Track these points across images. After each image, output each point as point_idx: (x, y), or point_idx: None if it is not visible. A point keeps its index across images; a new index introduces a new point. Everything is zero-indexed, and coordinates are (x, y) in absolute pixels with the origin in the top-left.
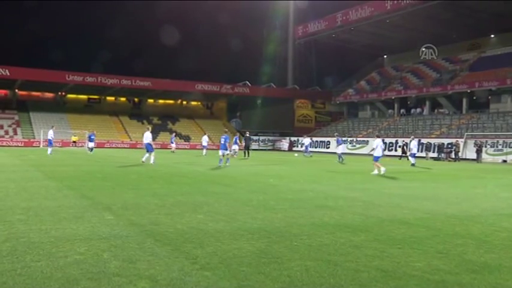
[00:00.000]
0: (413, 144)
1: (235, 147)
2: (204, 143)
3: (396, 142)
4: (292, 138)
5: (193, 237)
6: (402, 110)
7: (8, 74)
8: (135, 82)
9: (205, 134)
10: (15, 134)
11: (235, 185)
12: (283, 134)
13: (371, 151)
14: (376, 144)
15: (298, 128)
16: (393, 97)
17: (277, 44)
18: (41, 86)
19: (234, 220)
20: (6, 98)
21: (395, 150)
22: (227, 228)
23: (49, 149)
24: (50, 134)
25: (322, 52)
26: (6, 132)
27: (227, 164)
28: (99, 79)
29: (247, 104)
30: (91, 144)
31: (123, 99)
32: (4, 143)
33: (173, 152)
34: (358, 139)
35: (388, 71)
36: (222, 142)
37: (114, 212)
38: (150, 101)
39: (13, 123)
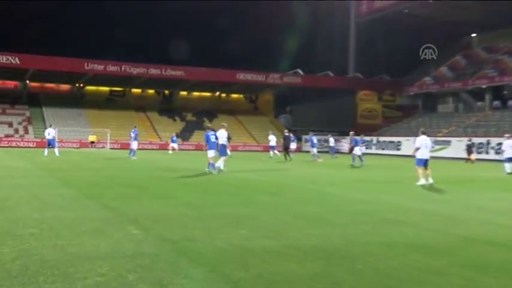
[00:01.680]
0: (509, 145)
1: (293, 145)
2: (273, 143)
3: (488, 143)
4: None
5: (235, 257)
6: (496, 102)
7: (18, 62)
8: (165, 71)
9: (270, 132)
10: (26, 132)
11: (283, 193)
12: (343, 133)
13: (414, 151)
14: (422, 143)
15: (361, 126)
16: (484, 86)
17: (336, 23)
18: (55, 77)
19: (284, 236)
20: (16, 90)
21: (487, 153)
22: (275, 246)
23: (56, 151)
24: (50, 133)
25: (391, 32)
26: (16, 131)
27: (213, 171)
28: (123, 68)
29: (298, 96)
30: (134, 145)
31: (151, 91)
32: (14, 143)
33: (171, 153)
34: (438, 139)
35: (478, 53)
36: (213, 140)
37: (141, 225)
38: (183, 93)
39: (24, 120)
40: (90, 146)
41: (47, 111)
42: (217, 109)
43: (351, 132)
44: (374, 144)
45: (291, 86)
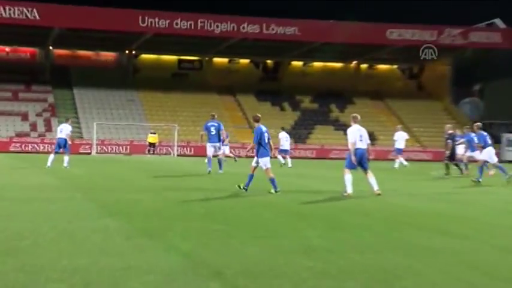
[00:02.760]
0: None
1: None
2: (285, 145)
3: None
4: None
5: None
6: None
7: (38, 17)
8: (268, 28)
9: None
10: (49, 130)
11: (469, 233)
12: None
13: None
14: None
15: None
16: None
17: None
18: (93, 40)
19: None
20: (33, 62)
21: None
22: None
23: (65, 159)
24: (64, 130)
25: None
26: (34, 127)
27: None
28: (199, 24)
29: (497, 66)
30: (226, 150)
31: (244, 61)
32: (30, 147)
33: (225, 160)
34: None
35: None
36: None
37: (228, 281)
38: (297, 64)
39: (45, 110)
40: (147, 151)
41: (81, 95)
42: (353, 90)
43: (466, 128)
44: None
45: (483, 48)
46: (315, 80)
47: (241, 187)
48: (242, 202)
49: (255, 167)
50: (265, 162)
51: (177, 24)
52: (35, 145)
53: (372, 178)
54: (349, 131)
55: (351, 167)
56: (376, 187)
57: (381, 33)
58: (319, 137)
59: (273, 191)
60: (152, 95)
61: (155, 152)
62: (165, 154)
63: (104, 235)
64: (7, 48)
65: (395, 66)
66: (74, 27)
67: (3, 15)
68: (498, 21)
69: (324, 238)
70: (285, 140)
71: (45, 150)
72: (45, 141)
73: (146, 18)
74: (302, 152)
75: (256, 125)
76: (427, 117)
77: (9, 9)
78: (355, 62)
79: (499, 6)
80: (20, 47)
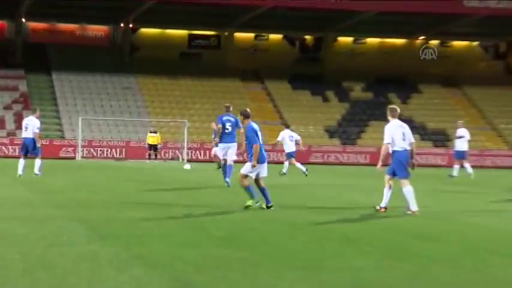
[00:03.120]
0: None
1: None
2: (289, 147)
3: None
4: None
5: None
6: None
7: None
8: None
9: None
10: (20, 127)
11: None
12: None
13: None
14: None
15: None
16: None
17: None
18: (77, 9)
19: None
20: (1, 39)
21: None
22: None
23: (36, 164)
24: (30, 127)
25: None
26: (1, 124)
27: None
28: None
29: None
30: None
31: (275, 37)
32: None
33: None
34: None
35: None
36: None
37: None
38: (344, 41)
39: (16, 101)
40: (147, 155)
41: (62, 82)
42: (420, 74)
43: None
44: None
45: None
46: (368, 62)
47: (264, 206)
48: (270, 222)
49: (258, 178)
50: (247, 167)
51: None
52: (2, 147)
53: (409, 192)
54: (387, 127)
55: (404, 175)
56: (413, 206)
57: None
58: (374, 136)
59: (263, 205)
60: (155, 81)
61: (157, 157)
62: (172, 159)
63: (92, 265)
64: None
65: (475, 43)
66: None
67: None
68: None
69: (382, 270)
70: (289, 140)
71: (16, 153)
72: (15, 141)
73: None
74: (351, 157)
75: (246, 122)
76: None
77: None
78: (422, 37)
79: None
80: None
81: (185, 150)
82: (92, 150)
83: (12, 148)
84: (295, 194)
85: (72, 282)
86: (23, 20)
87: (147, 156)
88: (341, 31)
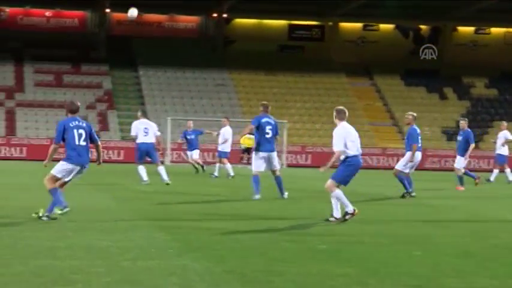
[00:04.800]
0: None
1: None
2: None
3: None
4: None
5: None
6: None
7: None
8: None
9: None
10: (105, 128)
11: None
12: None
13: None
14: None
15: None
16: None
17: None
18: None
19: None
20: (84, 32)
21: None
22: None
23: (162, 171)
24: (150, 131)
25: None
26: None
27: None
28: None
29: None
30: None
31: (386, 27)
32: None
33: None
34: None
35: None
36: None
37: None
38: (465, 31)
39: (99, 100)
40: (240, 159)
41: (149, 78)
42: None
43: None
44: None
45: None
46: (492, 55)
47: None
48: (378, 235)
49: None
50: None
51: None
52: None
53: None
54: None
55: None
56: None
57: None
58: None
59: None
60: (250, 77)
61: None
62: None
63: (183, 280)
64: (47, 13)
65: None
66: None
67: None
68: None
69: None
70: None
71: (14, 156)
72: (12, 141)
73: None
74: (472, 162)
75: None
76: None
77: None
78: None
79: None
80: (65, 11)
81: (284, 155)
82: (182, 153)
83: (8, 151)
84: (408, 204)
85: None
86: (107, 10)
87: (240, 160)
88: (461, 20)
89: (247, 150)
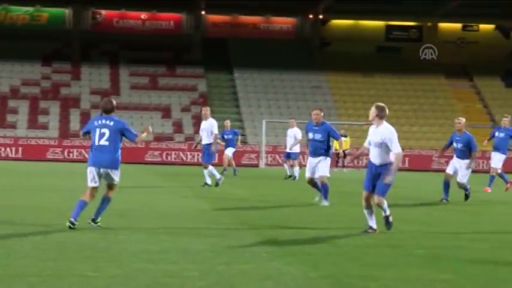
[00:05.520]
0: None
1: None
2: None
3: None
4: None
5: None
6: None
7: None
8: None
9: None
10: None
11: None
12: None
13: None
14: None
15: None
16: None
17: None
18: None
19: None
20: (179, 34)
21: None
22: None
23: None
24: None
25: None
26: (178, 128)
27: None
28: None
29: None
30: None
31: (486, 27)
32: (173, 156)
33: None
34: None
35: None
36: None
37: None
38: None
39: (194, 103)
40: (336, 162)
41: (244, 81)
42: None
43: None
44: None
45: None
46: None
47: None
48: (481, 240)
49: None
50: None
51: None
52: (180, 153)
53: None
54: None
55: None
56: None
57: None
58: None
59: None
60: (347, 79)
61: (345, 165)
62: (354, 167)
63: (277, 285)
64: (143, 16)
65: None
66: None
67: None
68: None
69: None
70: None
71: (194, 160)
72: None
73: None
74: None
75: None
76: None
77: None
78: None
79: None
80: (161, 13)
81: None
82: (277, 156)
83: (190, 155)
84: None
85: None
86: (202, 12)
87: (340, 164)
88: None
89: (341, 153)
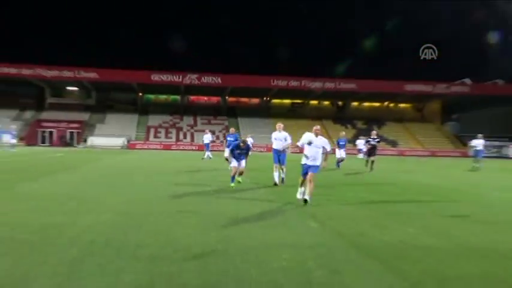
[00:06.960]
0: None
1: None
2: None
3: None
4: None
5: (403, 253)
6: None
7: (220, 81)
8: (339, 85)
9: None
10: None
11: (438, 199)
12: None
13: None
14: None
15: None
16: None
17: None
18: (248, 92)
19: (449, 236)
20: (217, 105)
21: None
22: (442, 245)
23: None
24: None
25: None
26: (217, 138)
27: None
28: (302, 83)
29: (467, 103)
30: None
31: (326, 102)
32: (215, 148)
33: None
34: None
35: None
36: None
37: (319, 220)
38: (355, 104)
39: (223, 129)
40: None
41: (242, 121)
42: (386, 117)
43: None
44: None
45: (458, 95)
46: (365, 113)
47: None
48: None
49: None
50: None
51: (291, 83)
52: (219, 147)
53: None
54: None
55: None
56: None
57: (401, 87)
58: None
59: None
60: (278, 121)
61: None
62: None
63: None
64: (205, 98)
65: (409, 105)
66: (239, 85)
67: (203, 80)
68: (467, 80)
69: (370, 197)
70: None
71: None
72: (222, 146)
73: (275, 80)
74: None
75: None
76: (427, 132)
77: (204, 78)
78: (386, 102)
79: (467, 68)
80: (211, 97)
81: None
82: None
83: (222, 148)
84: None
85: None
86: (226, 97)
87: None
88: (354, 100)
89: None
